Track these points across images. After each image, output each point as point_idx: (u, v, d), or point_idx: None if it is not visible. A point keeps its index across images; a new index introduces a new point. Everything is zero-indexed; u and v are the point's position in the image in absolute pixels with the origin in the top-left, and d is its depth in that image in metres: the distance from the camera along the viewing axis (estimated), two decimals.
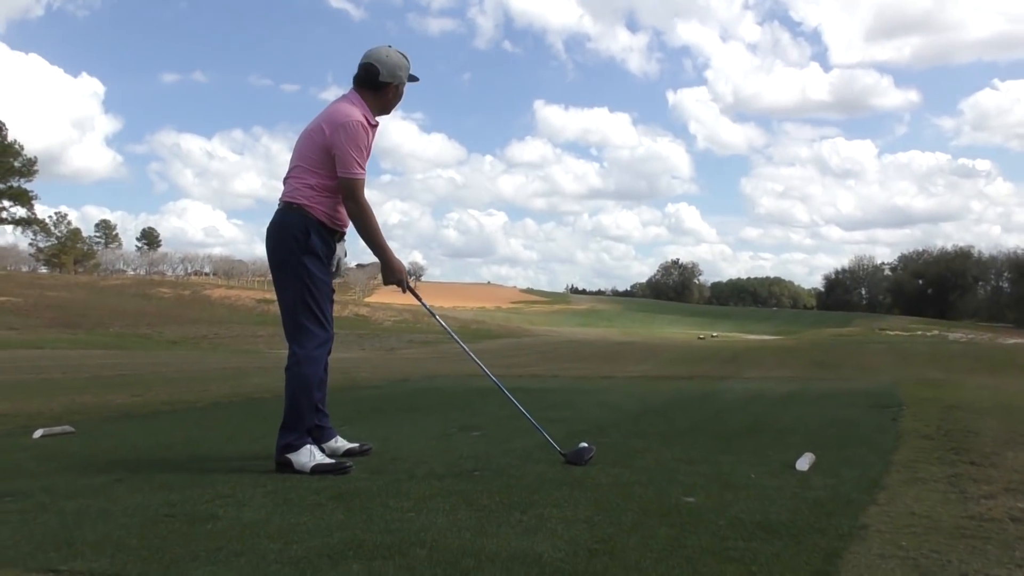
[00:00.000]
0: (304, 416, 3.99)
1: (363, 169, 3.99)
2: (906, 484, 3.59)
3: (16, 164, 78.40)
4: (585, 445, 4.15)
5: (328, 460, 3.96)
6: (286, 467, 3.90)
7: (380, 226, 4.13)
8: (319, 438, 4.20)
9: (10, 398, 7.91)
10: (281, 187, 4.15)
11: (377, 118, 4.13)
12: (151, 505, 3.14)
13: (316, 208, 3.99)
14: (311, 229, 3.98)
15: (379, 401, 7.91)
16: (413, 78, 4.19)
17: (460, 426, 5.51)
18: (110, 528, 2.78)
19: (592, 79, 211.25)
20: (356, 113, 3.98)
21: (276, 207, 4.11)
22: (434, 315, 4.70)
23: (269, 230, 4.11)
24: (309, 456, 3.91)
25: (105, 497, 3.30)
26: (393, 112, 4.27)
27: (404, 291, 4.39)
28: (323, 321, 4.05)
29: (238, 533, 2.71)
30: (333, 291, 4.19)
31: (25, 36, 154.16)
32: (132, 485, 3.55)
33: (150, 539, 2.65)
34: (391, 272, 4.19)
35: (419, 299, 4.58)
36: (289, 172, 4.10)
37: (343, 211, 4.08)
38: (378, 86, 4.08)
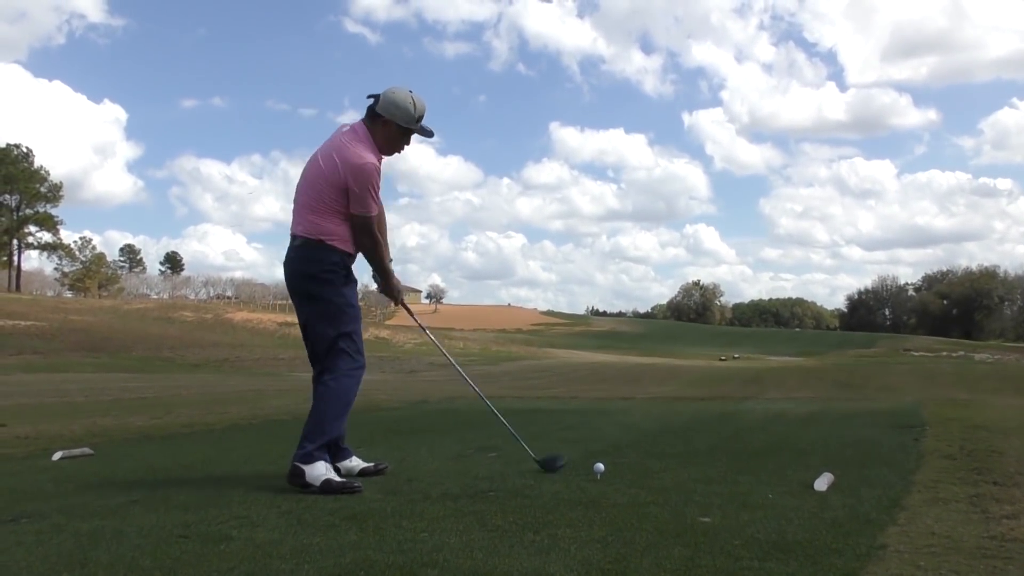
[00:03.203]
0: (327, 430, 4.06)
1: (375, 208, 4.14)
2: (927, 504, 3.54)
3: (42, 190, 79.60)
4: (558, 455, 4.53)
5: (339, 479, 3.97)
6: (297, 477, 3.90)
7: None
8: (334, 457, 4.21)
9: (32, 421, 7.98)
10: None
11: (383, 156, 4.18)
12: (165, 526, 3.14)
13: (345, 242, 4.12)
14: (347, 262, 4.17)
15: (397, 423, 7.91)
16: (426, 132, 4.20)
17: (477, 447, 5.50)
18: (124, 549, 2.79)
19: (607, 101, 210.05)
20: (369, 156, 4.05)
21: (296, 239, 4.16)
22: (427, 332, 4.87)
23: (298, 265, 4.16)
24: (324, 470, 3.91)
25: (120, 518, 3.31)
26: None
27: (396, 304, 4.56)
28: (360, 348, 4.23)
29: (250, 554, 2.71)
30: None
31: (48, 64, 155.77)
32: (148, 506, 3.56)
33: (163, 560, 2.65)
34: (390, 290, 4.40)
35: (412, 315, 4.71)
36: (306, 205, 4.14)
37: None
38: (373, 116, 4.14)
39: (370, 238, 4.16)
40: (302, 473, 3.91)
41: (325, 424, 4.05)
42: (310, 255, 4.11)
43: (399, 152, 4.24)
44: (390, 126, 4.11)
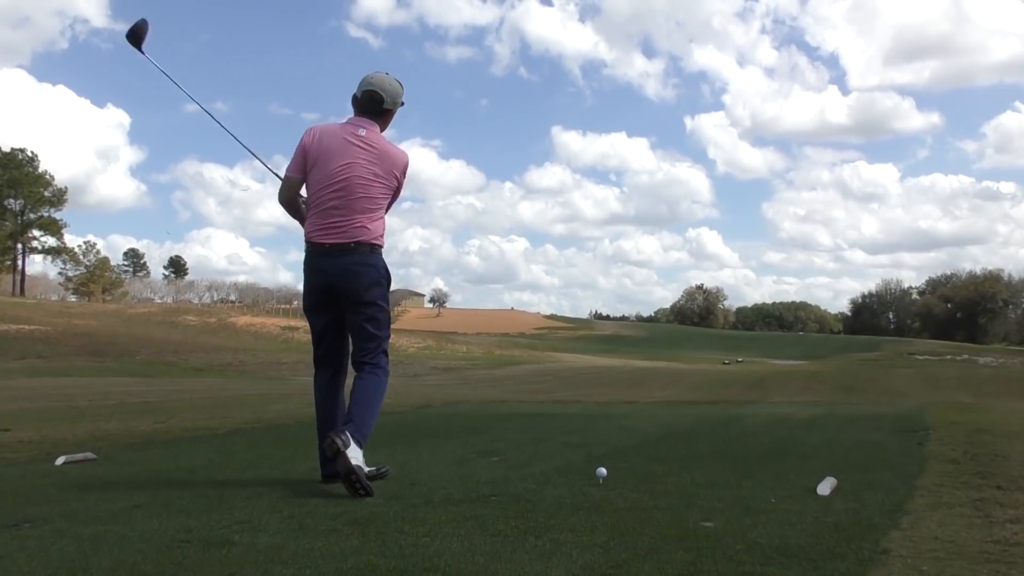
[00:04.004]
0: (375, 415, 4.21)
1: None
2: (930, 509, 3.53)
3: (47, 194, 79.75)
4: None
5: (368, 469, 3.98)
6: (341, 450, 3.82)
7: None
8: None
9: (35, 425, 7.99)
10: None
11: None
12: (167, 531, 3.14)
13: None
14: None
15: (399, 427, 7.90)
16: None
17: (479, 451, 5.50)
18: (126, 554, 2.79)
19: (609, 105, 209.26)
20: (405, 154, 4.34)
21: (349, 245, 4.18)
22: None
23: (361, 269, 4.20)
24: (361, 458, 3.90)
25: (123, 523, 3.31)
26: (412, 139, 4.51)
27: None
28: None
29: (252, 559, 2.71)
30: None
31: (51, 68, 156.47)
32: (150, 511, 3.56)
33: (165, 565, 2.65)
34: None
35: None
36: (362, 211, 4.20)
37: None
38: (382, 112, 4.29)
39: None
40: (347, 444, 3.84)
41: (375, 407, 4.21)
42: (375, 261, 4.25)
43: None
44: (394, 113, 4.38)
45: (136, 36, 4.62)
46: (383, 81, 4.28)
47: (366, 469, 4.31)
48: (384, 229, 4.29)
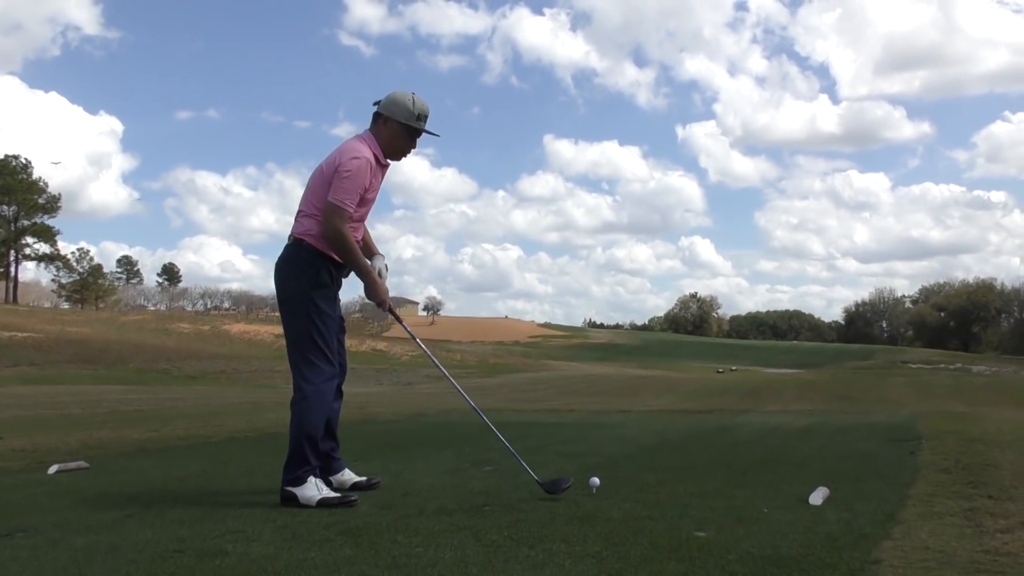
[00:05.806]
0: (307, 452, 3.99)
1: (351, 203, 3.99)
2: (921, 518, 3.55)
3: (40, 201, 79.55)
4: (565, 479, 4.17)
5: (334, 494, 3.96)
6: (291, 501, 3.90)
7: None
8: (328, 469, 4.21)
9: (28, 434, 7.96)
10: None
11: (389, 160, 4.19)
12: (161, 540, 3.14)
13: (321, 240, 4.04)
14: (319, 264, 4.05)
15: (393, 436, 7.90)
16: (430, 132, 4.18)
17: (473, 461, 5.49)
18: (119, 564, 2.79)
19: (601, 114, 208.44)
20: (365, 151, 4.05)
21: (286, 243, 4.18)
22: (416, 339, 4.81)
23: (278, 265, 4.17)
24: (315, 489, 3.91)
25: (116, 532, 3.31)
26: None
27: (386, 311, 4.33)
28: (329, 356, 4.08)
29: (245, 569, 2.71)
30: (344, 324, 4.26)
31: (43, 75, 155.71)
32: (143, 520, 3.56)
33: (157, 575, 2.65)
34: (375, 292, 4.16)
35: (401, 323, 4.66)
36: (300, 209, 4.17)
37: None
38: (375, 118, 4.16)
39: (333, 227, 3.94)
40: (294, 497, 3.91)
41: (305, 446, 3.99)
42: (288, 254, 4.12)
43: (405, 155, 4.23)
44: (391, 124, 4.11)
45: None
46: (392, 92, 4.15)
47: (354, 479, 4.33)
48: (316, 227, 4.02)
